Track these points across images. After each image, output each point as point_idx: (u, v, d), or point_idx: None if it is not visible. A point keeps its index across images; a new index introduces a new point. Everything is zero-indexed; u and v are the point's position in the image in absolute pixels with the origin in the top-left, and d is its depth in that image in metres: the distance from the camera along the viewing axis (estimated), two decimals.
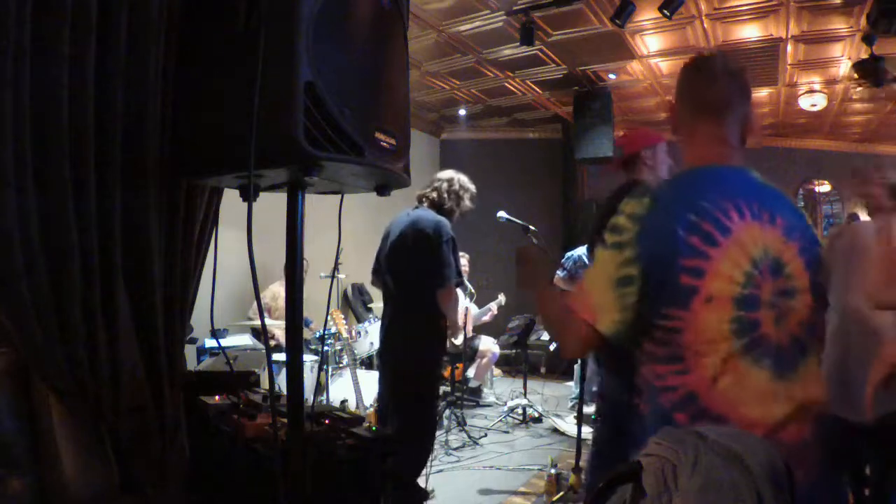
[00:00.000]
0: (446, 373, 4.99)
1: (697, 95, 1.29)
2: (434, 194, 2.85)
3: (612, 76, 6.01)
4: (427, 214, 2.78)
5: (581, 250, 4.53)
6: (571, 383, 5.72)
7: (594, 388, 5.26)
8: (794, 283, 1.14)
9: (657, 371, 1.16)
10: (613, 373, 2.40)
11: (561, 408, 5.46)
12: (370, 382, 4.04)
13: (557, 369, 6.67)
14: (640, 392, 1.21)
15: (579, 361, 5.34)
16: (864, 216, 2.51)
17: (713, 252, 1.09)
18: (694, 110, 1.28)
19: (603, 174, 7.15)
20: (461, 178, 2.89)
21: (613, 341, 1.17)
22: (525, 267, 1.42)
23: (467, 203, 2.88)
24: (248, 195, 1.19)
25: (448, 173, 2.93)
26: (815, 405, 1.14)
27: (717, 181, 1.20)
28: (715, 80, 1.27)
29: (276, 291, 4.85)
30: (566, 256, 4.47)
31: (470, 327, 5.27)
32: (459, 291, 5.31)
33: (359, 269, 6.11)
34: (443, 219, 2.75)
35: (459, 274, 2.73)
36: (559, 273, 5.08)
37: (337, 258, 1.85)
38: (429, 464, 2.88)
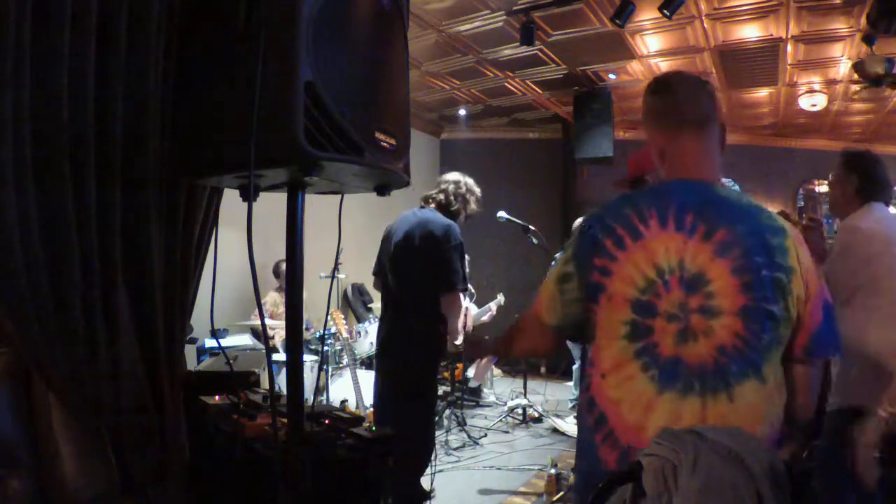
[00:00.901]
0: (445, 373, 4.99)
1: (677, 114, 1.26)
2: (441, 196, 2.83)
3: (612, 76, 6.00)
4: (436, 217, 2.75)
5: None
6: (571, 383, 5.72)
7: None
8: (717, 302, 1.10)
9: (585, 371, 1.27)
10: None
11: (561, 408, 5.46)
12: (370, 382, 4.03)
13: (557, 369, 6.67)
14: None
15: (578, 363, 5.36)
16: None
17: (619, 254, 1.15)
18: (675, 129, 1.25)
19: (613, 187, 7.17)
20: (468, 181, 2.89)
21: (560, 334, 1.30)
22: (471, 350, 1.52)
23: (473, 206, 2.88)
24: (249, 195, 1.19)
25: (455, 175, 2.91)
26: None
27: (657, 193, 1.22)
28: (685, 98, 1.27)
29: (275, 299, 4.83)
30: (553, 262, 4.60)
31: (470, 327, 5.26)
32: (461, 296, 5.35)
33: (359, 269, 6.10)
34: (453, 223, 2.73)
35: (465, 280, 2.70)
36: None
37: (337, 258, 1.85)
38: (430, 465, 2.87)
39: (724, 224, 1.13)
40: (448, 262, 2.63)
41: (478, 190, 2.93)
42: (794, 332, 1.14)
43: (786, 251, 1.13)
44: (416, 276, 2.70)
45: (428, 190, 3.00)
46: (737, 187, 2.09)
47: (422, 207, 2.88)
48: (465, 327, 5.00)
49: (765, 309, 1.09)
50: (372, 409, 3.88)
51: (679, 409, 1.09)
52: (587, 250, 1.20)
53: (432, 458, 2.91)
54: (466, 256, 5.35)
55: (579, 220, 5.54)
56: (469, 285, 5.41)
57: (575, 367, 5.63)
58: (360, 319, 5.96)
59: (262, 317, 1.23)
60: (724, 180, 1.53)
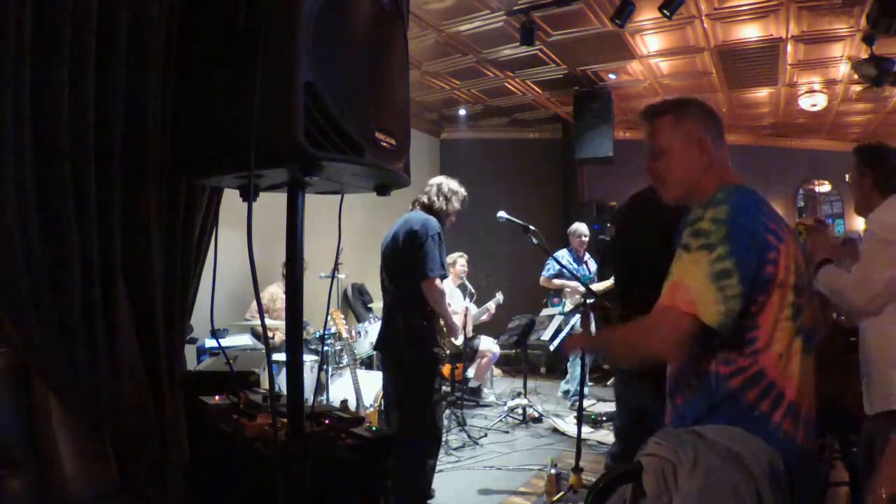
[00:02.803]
0: (446, 372, 4.99)
1: (715, 128, 1.49)
2: (424, 198, 3.07)
3: (612, 76, 6.01)
4: (417, 214, 2.98)
5: (562, 252, 5.42)
6: (563, 382, 5.72)
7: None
8: (804, 282, 1.35)
9: (726, 358, 1.30)
10: (642, 378, 2.35)
11: (561, 408, 5.46)
12: (370, 382, 4.04)
13: (557, 369, 6.67)
14: (693, 385, 1.35)
15: (576, 360, 5.38)
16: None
17: (780, 246, 1.29)
18: (718, 140, 1.48)
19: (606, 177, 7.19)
20: (450, 182, 3.11)
21: (717, 331, 1.26)
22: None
23: (456, 204, 3.08)
24: (248, 195, 1.19)
25: (438, 178, 3.15)
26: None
27: (756, 195, 1.40)
28: (718, 115, 1.52)
29: (273, 293, 4.83)
30: (549, 259, 5.01)
31: (470, 327, 5.26)
32: (458, 291, 5.37)
33: (359, 269, 6.10)
34: (431, 217, 2.94)
35: (443, 266, 2.87)
36: (543, 273, 5.65)
37: (337, 258, 1.85)
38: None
39: (783, 222, 1.37)
40: (424, 252, 2.81)
41: (461, 190, 3.12)
42: None
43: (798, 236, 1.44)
44: (402, 270, 2.90)
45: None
46: None
47: (411, 210, 3.10)
48: (464, 327, 5.02)
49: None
50: (372, 409, 3.89)
51: (811, 368, 1.33)
52: (752, 245, 1.26)
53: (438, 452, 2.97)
54: (465, 255, 5.40)
55: (577, 225, 5.63)
56: (469, 285, 5.44)
57: (568, 364, 5.64)
58: (360, 319, 5.96)
59: (262, 317, 1.23)
60: None
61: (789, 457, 1.21)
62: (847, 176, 2.34)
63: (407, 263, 2.85)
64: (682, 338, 1.27)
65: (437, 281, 2.83)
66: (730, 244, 1.25)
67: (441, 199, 3.02)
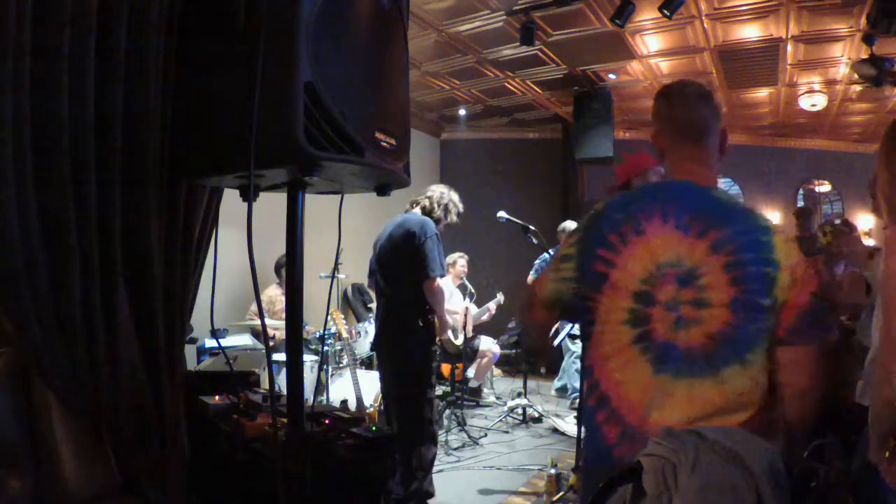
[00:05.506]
0: (445, 372, 4.99)
1: (674, 122, 1.39)
2: (426, 202, 3.12)
3: (612, 76, 6.00)
4: (414, 216, 3.02)
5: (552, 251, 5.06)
6: (554, 380, 5.74)
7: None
8: (708, 295, 1.20)
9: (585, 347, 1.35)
10: None
11: (561, 408, 5.46)
12: (370, 382, 4.04)
13: (557, 369, 6.66)
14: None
15: (567, 358, 5.38)
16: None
17: (623, 248, 1.26)
18: (672, 135, 1.39)
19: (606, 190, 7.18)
20: (452, 195, 3.18)
21: (549, 308, 1.39)
22: None
23: (454, 217, 3.16)
24: (249, 195, 1.19)
25: (440, 187, 3.21)
26: (731, 417, 1.17)
27: (660, 193, 1.34)
28: (689, 106, 1.38)
29: (272, 295, 4.82)
30: (538, 260, 4.88)
31: (470, 327, 5.26)
32: (458, 291, 5.37)
33: (359, 269, 6.09)
34: (428, 219, 2.99)
35: (442, 267, 2.93)
36: (532, 275, 5.34)
37: (337, 258, 1.85)
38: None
39: (718, 224, 1.23)
40: (424, 252, 2.86)
41: (461, 205, 3.20)
42: (780, 317, 1.22)
43: (772, 247, 1.22)
44: (399, 271, 2.94)
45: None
46: (736, 188, 2.09)
47: (407, 211, 3.13)
48: (464, 327, 5.02)
49: (754, 301, 1.19)
50: (372, 409, 3.90)
51: (671, 390, 1.19)
52: (592, 241, 1.31)
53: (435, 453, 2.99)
54: (465, 255, 5.40)
55: (567, 223, 5.52)
56: (469, 285, 5.44)
57: (564, 363, 5.64)
58: (360, 319, 5.95)
59: (262, 316, 1.23)
60: (722, 181, 1.60)
61: (601, 462, 1.22)
62: (875, 179, 2.28)
63: (405, 264, 2.88)
64: (529, 311, 1.44)
65: (439, 280, 2.88)
66: (581, 234, 1.36)
67: (440, 209, 3.09)
